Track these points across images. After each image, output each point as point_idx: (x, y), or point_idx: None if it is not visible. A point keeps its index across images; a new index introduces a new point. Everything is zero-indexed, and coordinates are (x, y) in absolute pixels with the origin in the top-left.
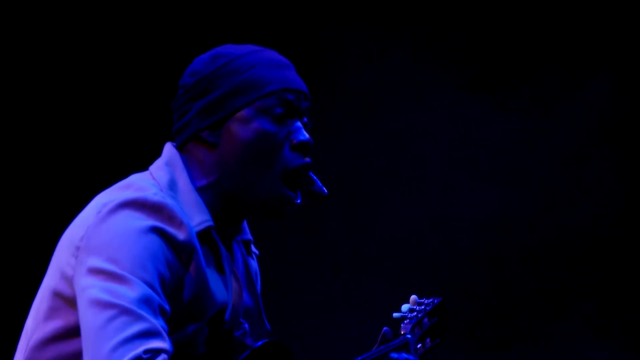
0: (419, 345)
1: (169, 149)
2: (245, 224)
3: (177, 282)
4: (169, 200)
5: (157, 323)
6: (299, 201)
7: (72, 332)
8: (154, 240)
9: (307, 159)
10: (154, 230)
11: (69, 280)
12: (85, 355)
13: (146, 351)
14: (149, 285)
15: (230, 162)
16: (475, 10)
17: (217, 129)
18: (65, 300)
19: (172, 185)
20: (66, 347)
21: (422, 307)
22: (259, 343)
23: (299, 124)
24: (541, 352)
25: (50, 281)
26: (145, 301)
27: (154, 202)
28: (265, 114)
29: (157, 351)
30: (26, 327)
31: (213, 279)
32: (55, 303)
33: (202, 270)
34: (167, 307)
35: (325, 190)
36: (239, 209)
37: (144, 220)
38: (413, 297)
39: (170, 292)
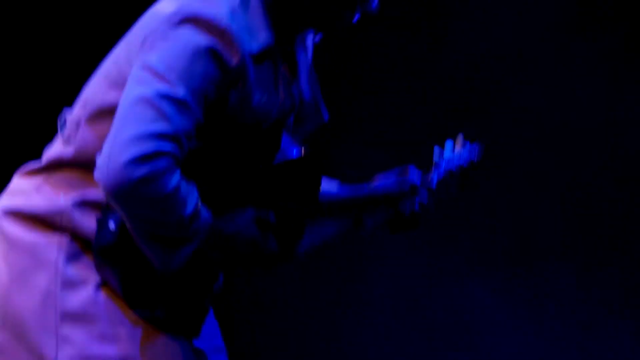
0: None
1: None
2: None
3: (221, 96)
4: (234, 25)
5: (181, 126)
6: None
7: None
8: (208, 60)
9: None
10: (210, 51)
11: (130, 63)
12: (110, 133)
13: (154, 153)
14: (192, 93)
15: None
16: None
17: None
18: (123, 79)
19: (245, 2)
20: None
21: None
22: (296, 155)
23: None
24: None
25: (120, 54)
26: (182, 103)
27: (221, 27)
28: None
29: (169, 155)
30: (86, 93)
31: (264, 92)
32: (118, 78)
33: (248, 89)
34: (200, 116)
35: None
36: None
37: (206, 40)
38: (461, 139)
39: (212, 104)
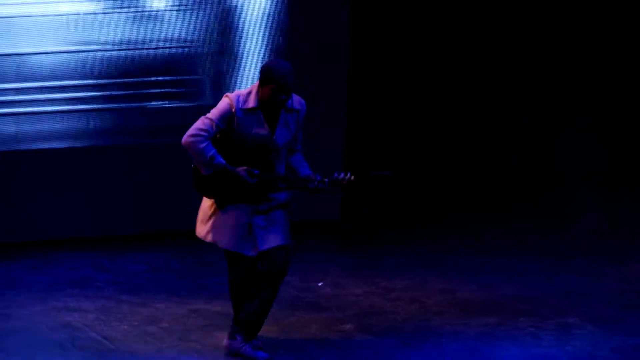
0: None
1: (257, 82)
2: (299, 104)
3: (230, 123)
4: (235, 100)
5: (211, 130)
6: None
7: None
8: (225, 107)
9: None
10: (228, 104)
11: None
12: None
13: (198, 134)
14: (217, 120)
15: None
16: None
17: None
18: None
19: (249, 93)
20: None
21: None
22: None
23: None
24: None
25: None
26: (211, 122)
27: (232, 97)
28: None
29: (204, 136)
30: None
31: (250, 126)
32: None
33: (241, 122)
34: (221, 126)
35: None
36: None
37: (227, 101)
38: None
39: (225, 125)
